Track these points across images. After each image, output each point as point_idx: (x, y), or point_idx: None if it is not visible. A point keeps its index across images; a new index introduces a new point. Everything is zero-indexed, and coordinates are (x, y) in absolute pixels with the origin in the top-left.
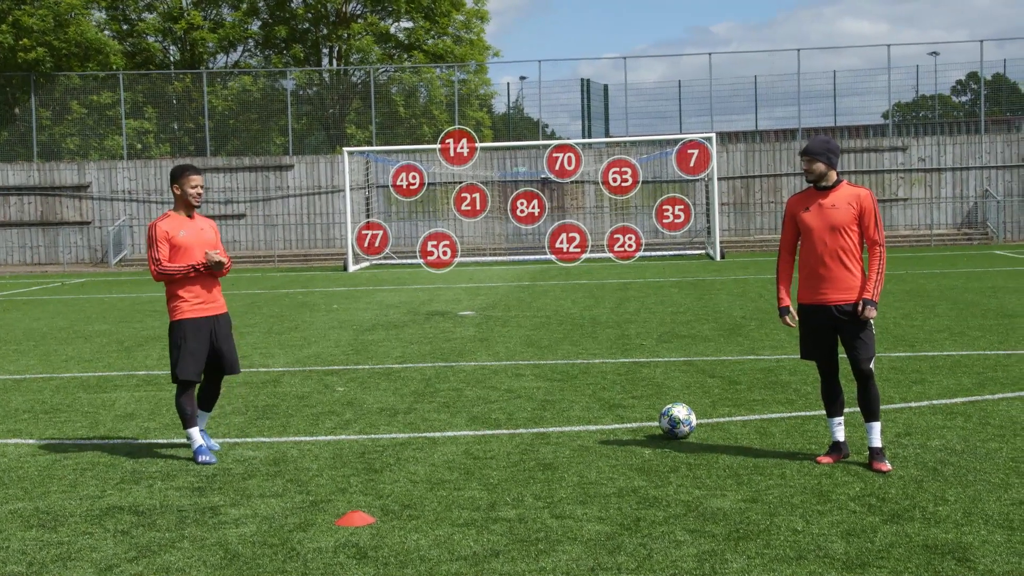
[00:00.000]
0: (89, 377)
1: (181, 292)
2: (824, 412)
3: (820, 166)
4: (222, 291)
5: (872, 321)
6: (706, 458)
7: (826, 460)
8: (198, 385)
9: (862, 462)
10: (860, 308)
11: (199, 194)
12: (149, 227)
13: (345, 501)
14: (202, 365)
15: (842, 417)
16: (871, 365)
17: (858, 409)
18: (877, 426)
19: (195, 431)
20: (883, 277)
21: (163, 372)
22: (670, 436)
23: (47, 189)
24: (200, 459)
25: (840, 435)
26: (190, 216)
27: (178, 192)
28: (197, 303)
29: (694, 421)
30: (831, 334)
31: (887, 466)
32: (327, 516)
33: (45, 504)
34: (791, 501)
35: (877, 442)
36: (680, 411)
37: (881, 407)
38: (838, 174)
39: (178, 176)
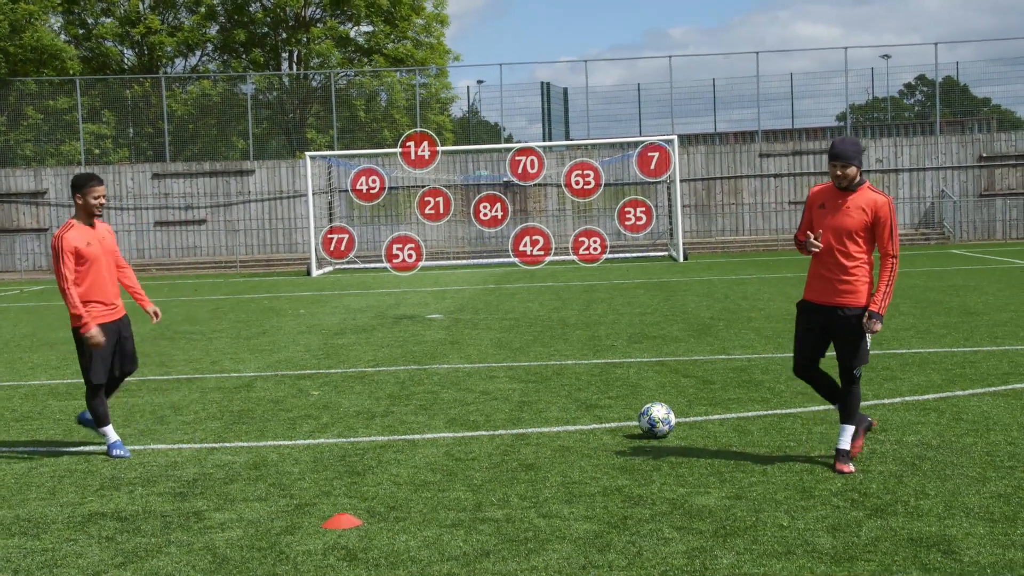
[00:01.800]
0: (58, 384)
1: (88, 301)
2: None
3: (853, 170)
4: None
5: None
6: (687, 457)
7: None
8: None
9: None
10: (865, 319)
11: (101, 204)
12: (54, 239)
13: (330, 504)
14: (109, 367)
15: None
16: (859, 371)
17: (835, 408)
18: (850, 429)
19: (109, 428)
20: (892, 289)
21: (133, 378)
22: (649, 435)
23: (3, 196)
24: (115, 453)
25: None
26: (92, 225)
27: (80, 202)
28: (103, 310)
29: (673, 420)
30: (825, 335)
31: (850, 468)
32: (313, 519)
33: (25, 512)
34: (775, 497)
35: (846, 445)
36: (659, 411)
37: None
38: (861, 174)
39: (81, 186)
